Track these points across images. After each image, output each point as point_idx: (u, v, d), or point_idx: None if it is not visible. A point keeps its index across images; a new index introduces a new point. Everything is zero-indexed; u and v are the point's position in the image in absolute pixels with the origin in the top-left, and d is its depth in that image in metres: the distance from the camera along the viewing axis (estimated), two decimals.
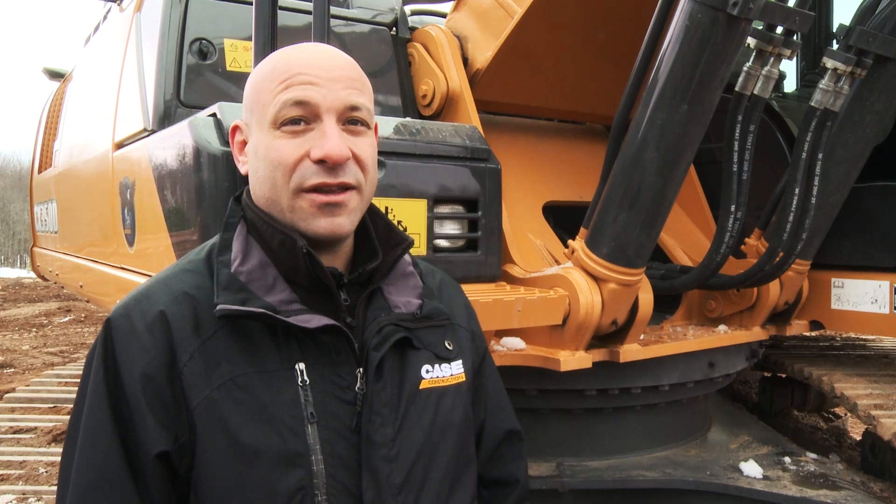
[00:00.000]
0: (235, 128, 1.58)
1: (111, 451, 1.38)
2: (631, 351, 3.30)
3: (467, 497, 1.67)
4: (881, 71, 3.63)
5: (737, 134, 3.33)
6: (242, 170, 1.56)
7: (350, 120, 1.48)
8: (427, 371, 1.59)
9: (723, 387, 4.28)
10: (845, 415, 5.98)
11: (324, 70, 1.47)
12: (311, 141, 1.44)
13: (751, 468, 3.60)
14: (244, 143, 1.55)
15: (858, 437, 5.32)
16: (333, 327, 1.47)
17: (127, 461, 1.38)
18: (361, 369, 1.50)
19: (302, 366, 1.44)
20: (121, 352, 1.41)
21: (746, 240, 4.05)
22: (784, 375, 4.88)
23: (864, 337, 5.58)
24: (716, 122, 3.46)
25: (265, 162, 1.46)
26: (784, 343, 5.16)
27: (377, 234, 1.61)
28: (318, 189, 1.44)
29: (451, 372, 1.63)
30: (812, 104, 3.50)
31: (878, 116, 3.76)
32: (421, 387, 1.57)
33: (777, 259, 3.65)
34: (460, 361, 1.66)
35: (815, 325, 4.39)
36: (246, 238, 1.51)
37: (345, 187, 1.46)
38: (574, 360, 3.13)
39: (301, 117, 1.44)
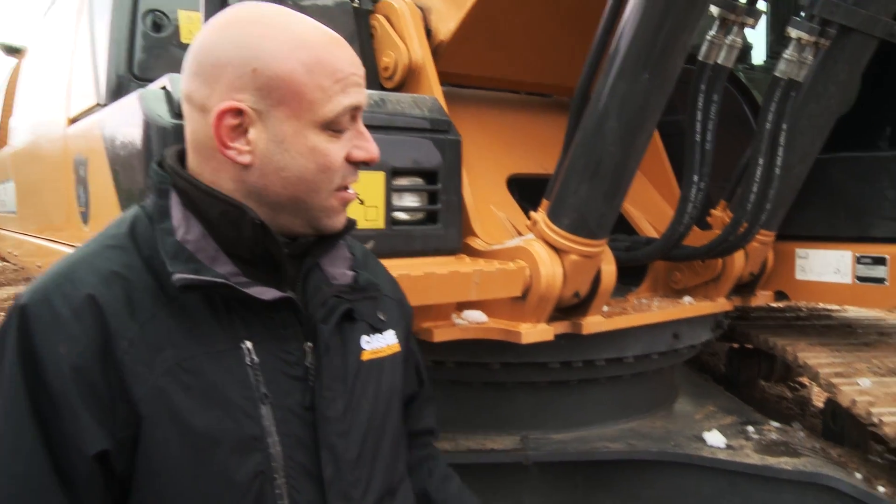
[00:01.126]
0: (229, 111, 1.34)
1: (34, 458, 1.25)
2: (594, 323, 3.28)
3: (404, 466, 1.70)
4: (845, 41, 3.61)
5: (700, 103, 3.31)
6: (240, 160, 1.37)
7: None
8: (366, 342, 1.56)
9: (689, 358, 4.29)
10: (809, 384, 6.03)
11: (358, 68, 1.44)
12: (349, 141, 1.42)
13: (714, 438, 3.61)
14: (244, 129, 1.35)
15: (821, 406, 5.38)
16: (286, 300, 1.42)
17: (54, 468, 1.26)
18: (310, 343, 1.45)
19: (249, 344, 1.37)
20: (42, 343, 1.26)
21: (712, 211, 4.04)
22: (751, 346, 4.90)
23: (829, 307, 5.62)
24: (684, 92, 3.44)
25: (309, 162, 1.38)
26: (751, 314, 5.18)
27: None
28: (347, 188, 1.45)
29: (385, 342, 1.61)
30: (776, 74, 3.48)
31: (841, 87, 3.75)
32: (363, 358, 1.55)
33: (741, 230, 3.64)
34: (393, 332, 1.64)
35: (779, 295, 4.40)
36: (183, 207, 1.42)
37: None
38: (535, 332, 3.10)
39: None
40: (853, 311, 5.67)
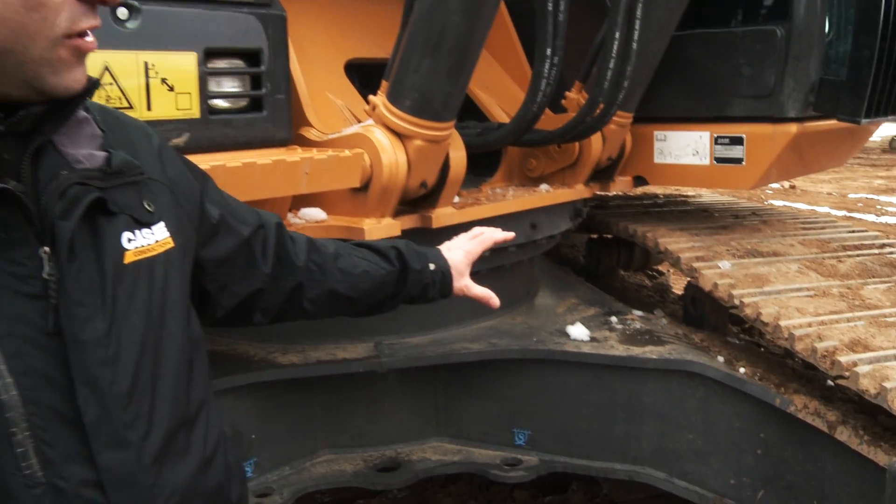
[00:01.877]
0: None
1: None
2: (444, 215, 3.00)
3: (203, 388, 1.43)
4: None
5: None
6: None
7: None
8: (129, 240, 1.26)
9: (548, 250, 4.10)
10: (668, 271, 6.04)
11: None
12: None
13: (578, 331, 3.45)
14: None
15: (680, 292, 5.37)
16: (5, 195, 1.11)
17: None
18: (48, 248, 1.15)
19: None
20: None
21: (567, 93, 3.80)
22: (609, 236, 4.78)
23: (684, 193, 5.58)
24: None
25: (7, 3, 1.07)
26: (608, 203, 5.06)
27: None
28: (82, 34, 1.15)
29: (154, 238, 1.31)
30: None
31: None
32: (126, 261, 1.24)
33: (598, 110, 3.42)
34: (163, 224, 1.34)
35: (638, 180, 4.26)
36: None
37: None
38: (380, 227, 2.80)
39: None
40: (708, 196, 5.67)
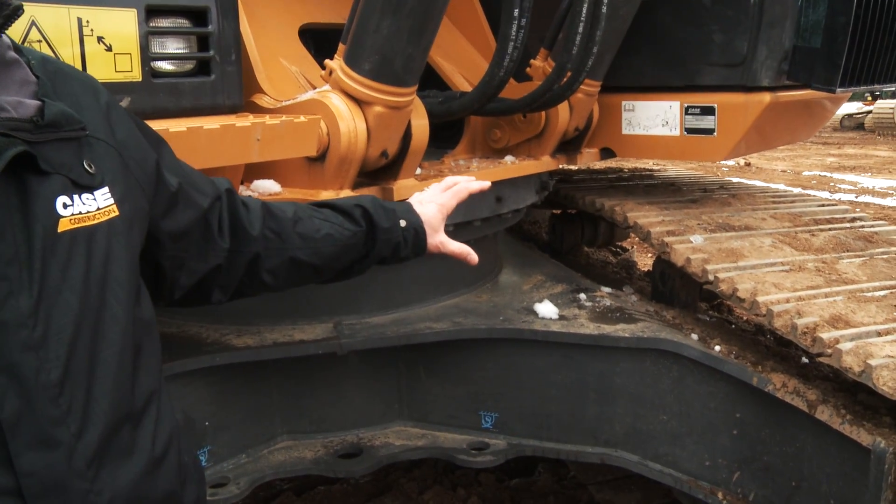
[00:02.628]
0: None
1: None
2: (406, 187, 2.82)
3: (153, 378, 1.25)
4: None
5: None
6: None
7: None
8: (65, 205, 1.08)
9: (512, 225, 3.95)
10: (633, 247, 5.94)
11: None
12: None
13: (546, 309, 3.31)
14: None
15: (646, 269, 5.27)
16: None
17: None
18: None
19: None
20: None
21: (532, 61, 3.63)
22: (574, 211, 4.64)
23: (650, 167, 5.46)
24: None
25: None
26: (573, 177, 4.91)
27: None
28: None
29: (97, 205, 1.13)
30: None
31: None
32: (60, 229, 1.07)
33: (566, 77, 3.26)
34: (107, 189, 1.15)
35: (605, 152, 4.13)
36: None
37: None
38: None
39: None
40: (673, 171, 5.56)
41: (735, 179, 11.10)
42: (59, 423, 1.07)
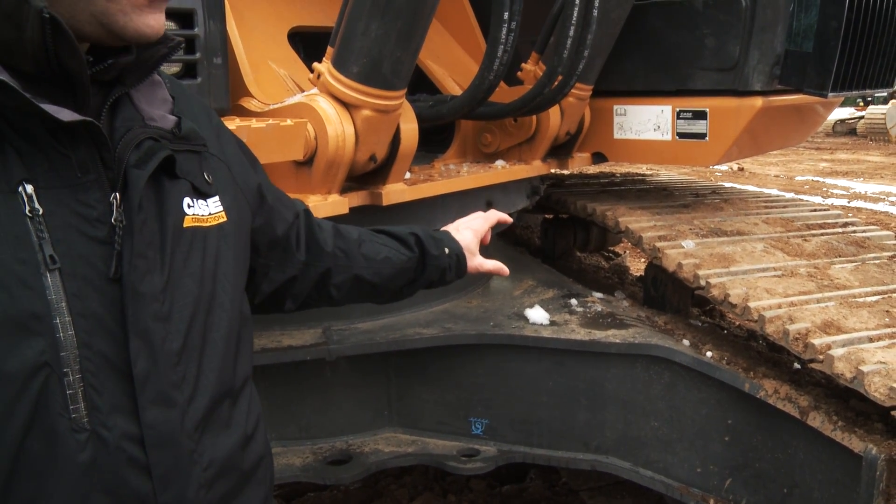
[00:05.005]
0: None
1: None
2: (395, 192, 2.80)
3: (248, 365, 1.45)
4: None
5: None
6: None
7: None
8: (188, 206, 1.28)
9: (503, 230, 3.92)
10: (625, 252, 5.92)
11: None
12: None
13: (537, 314, 3.28)
14: None
15: (638, 274, 5.25)
16: (88, 125, 1.12)
17: None
18: (118, 194, 1.16)
19: (30, 188, 1.08)
20: None
21: (523, 65, 3.62)
22: (566, 216, 4.62)
23: (642, 172, 5.44)
24: None
25: None
26: (564, 182, 4.89)
27: None
28: None
29: (209, 210, 1.32)
30: None
31: None
32: (185, 224, 1.27)
33: (557, 81, 3.24)
34: (218, 198, 1.35)
35: (597, 157, 4.10)
36: None
37: None
38: (327, 205, 2.60)
39: None
40: (665, 175, 5.54)
41: (728, 184, 11.12)
42: (177, 387, 1.22)
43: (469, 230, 2.09)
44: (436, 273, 1.97)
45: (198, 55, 2.49)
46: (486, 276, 3.85)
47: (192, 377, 1.25)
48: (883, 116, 22.18)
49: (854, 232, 3.88)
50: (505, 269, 2.16)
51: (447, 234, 2.05)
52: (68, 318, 1.10)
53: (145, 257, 1.18)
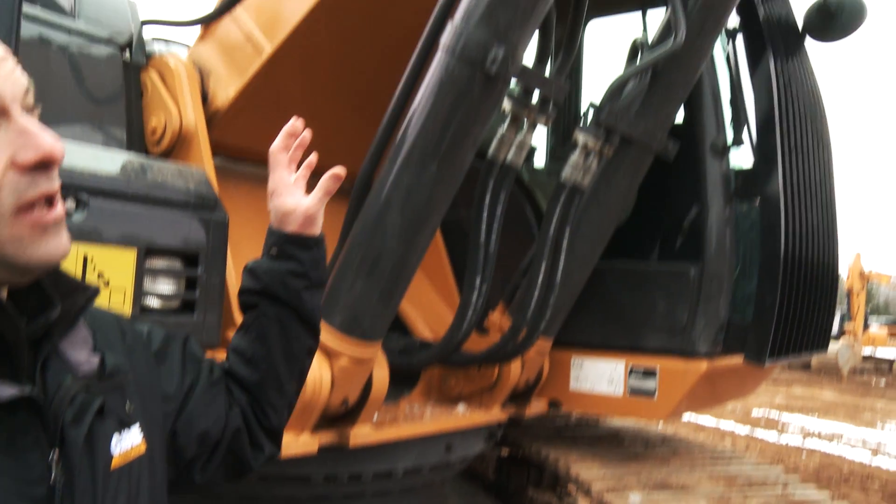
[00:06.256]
0: None
1: None
2: (362, 434, 2.96)
3: None
4: (626, 151, 3.62)
5: (486, 202, 3.16)
6: None
7: (28, 107, 1.10)
8: (115, 443, 1.24)
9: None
10: (577, 491, 5.98)
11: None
12: (9, 144, 1.06)
13: None
14: None
15: None
16: (23, 401, 1.09)
17: None
18: (56, 454, 1.13)
19: None
20: None
21: (490, 314, 3.88)
22: (520, 455, 4.76)
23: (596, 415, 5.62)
24: (466, 190, 3.28)
25: None
26: (522, 420, 5.05)
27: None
28: (34, 205, 1.09)
29: (131, 442, 1.28)
30: (561, 179, 3.42)
31: (622, 196, 3.77)
32: (112, 466, 1.22)
33: (521, 337, 3.50)
34: (138, 424, 1.30)
35: (553, 404, 4.30)
36: None
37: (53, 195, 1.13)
38: (298, 443, 2.74)
39: None
40: (619, 420, 5.72)
41: (685, 417, 11.29)
42: None
43: (277, 198, 1.62)
44: (301, 286, 1.63)
45: (197, 294, 2.71)
46: None
47: None
48: (835, 355, 22.81)
49: (793, 493, 4.05)
50: (338, 171, 1.63)
51: (269, 239, 1.64)
52: None
53: None
